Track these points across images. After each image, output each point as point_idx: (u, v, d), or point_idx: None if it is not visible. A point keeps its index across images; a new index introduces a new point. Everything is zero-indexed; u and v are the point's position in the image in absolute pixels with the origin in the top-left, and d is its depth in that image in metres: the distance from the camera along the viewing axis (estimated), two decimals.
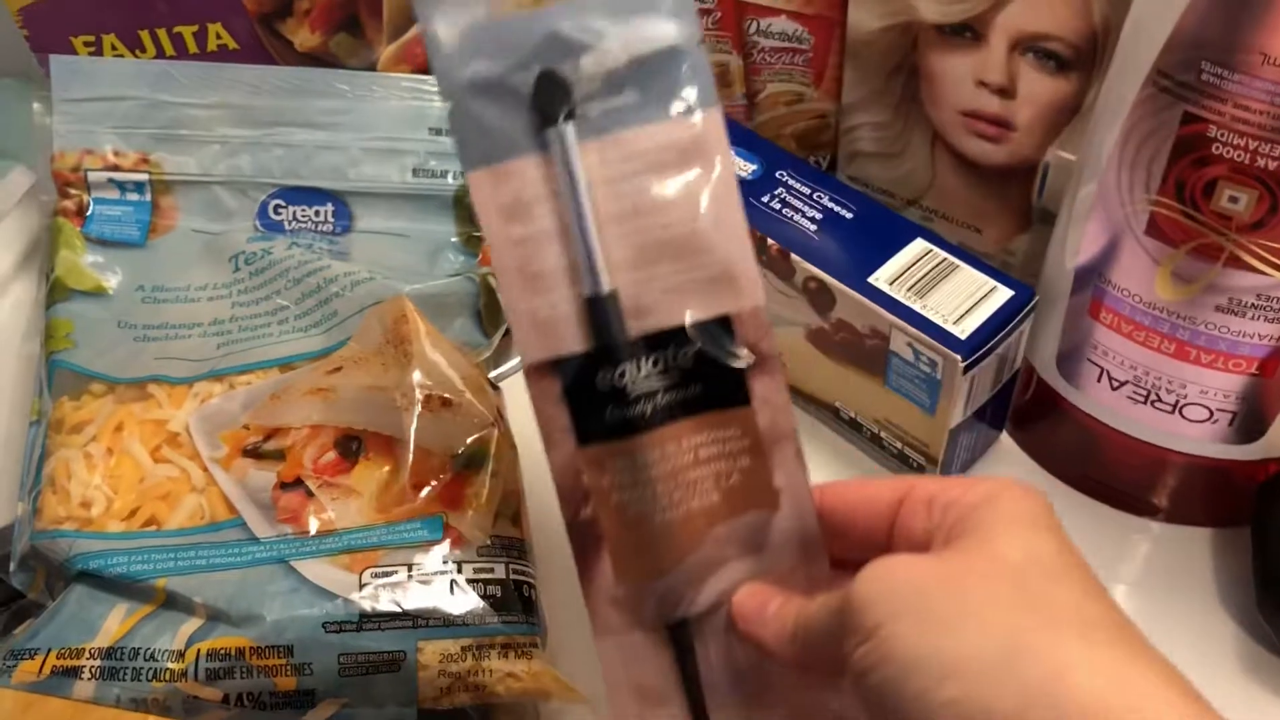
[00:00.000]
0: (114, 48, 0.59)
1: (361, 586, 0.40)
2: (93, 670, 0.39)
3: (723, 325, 0.33)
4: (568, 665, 0.42)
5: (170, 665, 0.39)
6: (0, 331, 0.59)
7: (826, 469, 0.53)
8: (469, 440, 0.43)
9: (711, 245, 0.33)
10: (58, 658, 0.39)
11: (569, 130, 0.32)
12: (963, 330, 0.46)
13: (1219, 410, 0.46)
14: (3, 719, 0.37)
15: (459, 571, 0.41)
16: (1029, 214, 0.55)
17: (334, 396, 0.46)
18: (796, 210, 0.51)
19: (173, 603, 0.41)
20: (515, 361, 0.55)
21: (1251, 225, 0.40)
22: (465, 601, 0.40)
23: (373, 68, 0.62)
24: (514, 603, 0.41)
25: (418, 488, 0.43)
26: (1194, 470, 0.49)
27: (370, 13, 0.61)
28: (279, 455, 0.45)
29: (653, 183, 0.33)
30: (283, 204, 0.56)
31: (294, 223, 0.56)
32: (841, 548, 0.34)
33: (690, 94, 0.33)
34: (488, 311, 0.54)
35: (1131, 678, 0.26)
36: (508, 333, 0.54)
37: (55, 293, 0.52)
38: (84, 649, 0.39)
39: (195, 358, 0.49)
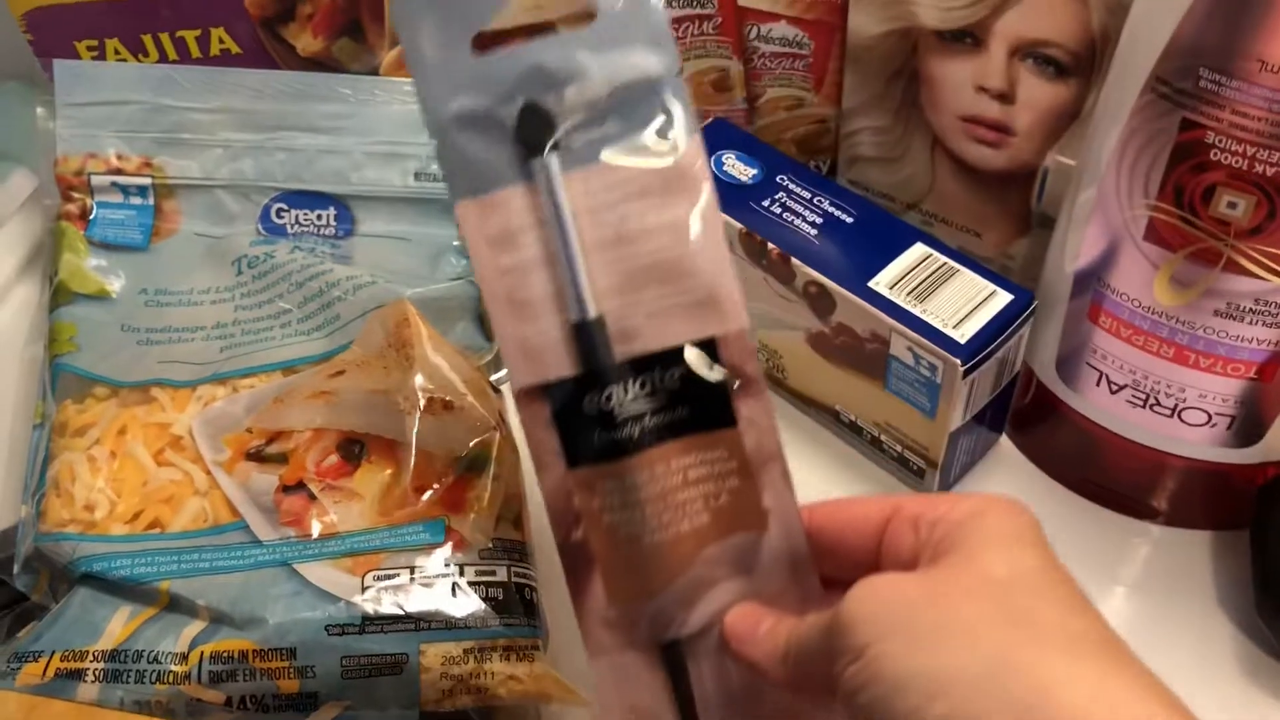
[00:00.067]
0: (117, 52, 0.59)
1: (364, 589, 0.40)
2: (96, 673, 0.39)
3: (708, 348, 0.34)
4: (569, 668, 0.42)
5: (173, 668, 0.39)
6: (4, 335, 0.59)
7: (827, 472, 0.53)
8: (471, 443, 0.43)
9: (695, 270, 0.33)
10: (61, 660, 0.39)
11: (553, 160, 0.33)
12: (962, 334, 0.46)
13: (1218, 414, 0.46)
14: None
15: (461, 574, 0.41)
16: (1028, 219, 0.55)
17: (336, 400, 0.46)
18: (797, 214, 0.51)
19: (176, 605, 0.41)
20: None
21: (1250, 231, 0.40)
22: (467, 604, 0.40)
23: (375, 72, 0.62)
24: (515, 605, 0.41)
25: (420, 491, 0.43)
26: (1193, 474, 0.49)
27: (372, 17, 0.61)
28: (282, 458, 0.45)
29: (636, 210, 0.33)
30: (285, 208, 0.56)
31: (296, 226, 0.56)
32: (831, 567, 0.34)
33: (672, 122, 0.33)
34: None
35: (1115, 691, 0.26)
36: None
37: (58, 296, 0.52)
38: (87, 651, 0.40)
39: (198, 361, 0.49)
